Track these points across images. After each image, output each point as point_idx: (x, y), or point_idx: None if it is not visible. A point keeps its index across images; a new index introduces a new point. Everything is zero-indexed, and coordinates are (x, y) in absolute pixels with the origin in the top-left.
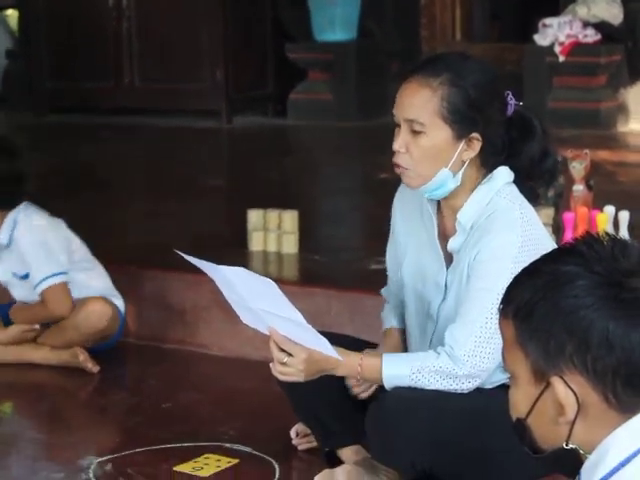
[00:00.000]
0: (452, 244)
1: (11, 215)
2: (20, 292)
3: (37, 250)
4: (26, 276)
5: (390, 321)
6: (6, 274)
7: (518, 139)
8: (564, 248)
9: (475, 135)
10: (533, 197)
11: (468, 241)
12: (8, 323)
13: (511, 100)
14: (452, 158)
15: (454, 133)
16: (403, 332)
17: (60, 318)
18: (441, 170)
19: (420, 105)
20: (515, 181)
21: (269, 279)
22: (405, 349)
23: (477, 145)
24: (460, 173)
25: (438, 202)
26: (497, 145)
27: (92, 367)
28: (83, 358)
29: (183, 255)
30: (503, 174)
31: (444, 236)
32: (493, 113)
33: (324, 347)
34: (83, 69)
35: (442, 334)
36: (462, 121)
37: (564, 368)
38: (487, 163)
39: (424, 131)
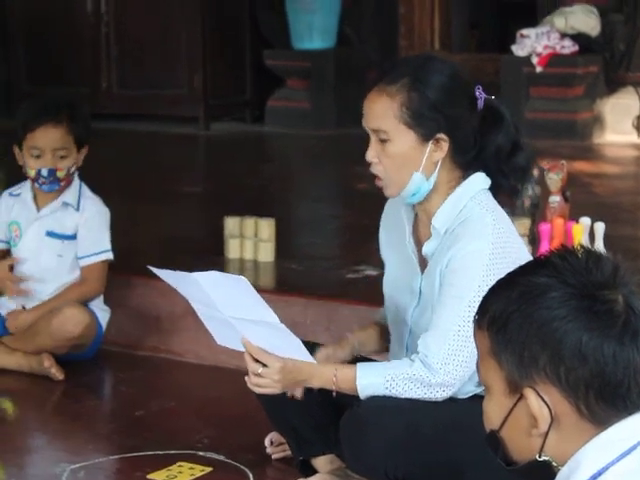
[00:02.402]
0: (426, 248)
1: (76, 179)
2: (38, 258)
3: (100, 222)
4: (70, 237)
5: (373, 319)
6: (39, 234)
7: (488, 132)
8: (538, 260)
9: (441, 136)
10: (511, 196)
11: (442, 246)
12: (4, 333)
13: (480, 94)
14: (422, 161)
15: (419, 137)
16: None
17: (90, 298)
18: (413, 174)
19: (381, 114)
20: (491, 187)
21: (241, 276)
22: (382, 344)
23: (445, 145)
24: (434, 175)
25: (415, 209)
26: (468, 141)
27: (57, 373)
28: (48, 364)
29: (154, 270)
30: (479, 180)
31: (419, 241)
32: (458, 111)
33: (299, 349)
34: (61, 74)
35: (416, 340)
36: (425, 124)
37: (537, 380)
38: (459, 161)
39: (389, 139)
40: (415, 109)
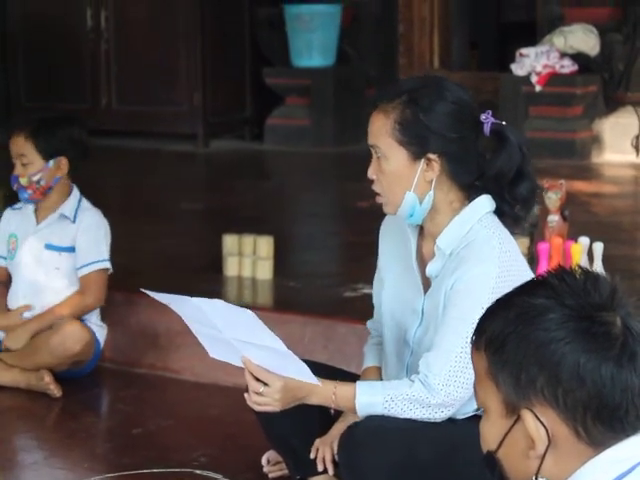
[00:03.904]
0: (430, 269)
1: (75, 192)
2: (35, 271)
3: (98, 233)
4: (68, 249)
5: (371, 359)
6: (37, 247)
7: (490, 156)
8: (536, 281)
9: (432, 156)
10: (514, 222)
11: (447, 267)
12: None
13: (487, 119)
14: (414, 180)
15: (410, 155)
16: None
17: (91, 308)
18: (406, 194)
19: (377, 130)
20: (495, 211)
21: (247, 309)
22: None
23: (436, 166)
24: (429, 195)
25: (421, 227)
26: (470, 164)
27: (55, 390)
28: (48, 379)
29: (149, 294)
30: (485, 202)
31: (423, 261)
32: (456, 133)
33: (304, 372)
34: (61, 90)
35: (418, 361)
36: (416, 142)
37: (535, 401)
38: (460, 183)
39: (384, 156)
40: (407, 127)
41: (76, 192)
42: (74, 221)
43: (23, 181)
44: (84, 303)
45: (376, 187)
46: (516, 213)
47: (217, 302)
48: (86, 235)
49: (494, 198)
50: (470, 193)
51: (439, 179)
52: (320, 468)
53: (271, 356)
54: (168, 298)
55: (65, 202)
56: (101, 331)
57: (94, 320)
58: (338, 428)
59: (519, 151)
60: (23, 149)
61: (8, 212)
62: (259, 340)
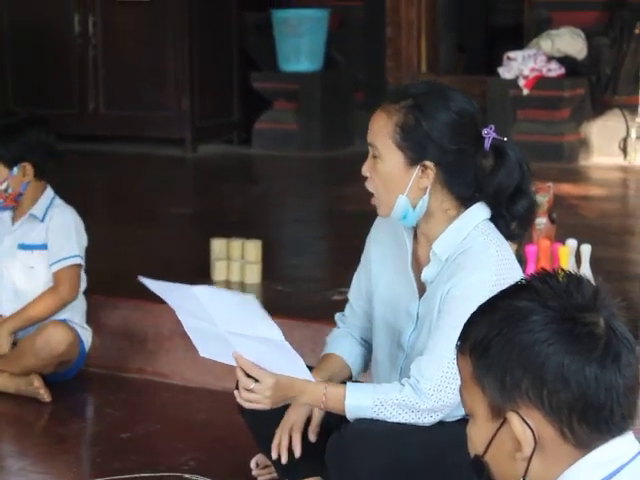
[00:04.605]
0: (426, 274)
1: (48, 192)
2: (14, 273)
3: (68, 229)
4: (40, 247)
5: (334, 347)
6: (10, 248)
7: (490, 171)
8: (519, 284)
9: (428, 163)
10: (509, 239)
11: (442, 273)
12: None
13: (488, 134)
14: (407, 184)
15: (406, 159)
16: (346, 366)
17: (65, 303)
18: (398, 197)
19: (377, 129)
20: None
21: (250, 295)
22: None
23: (431, 173)
24: (423, 201)
25: (415, 231)
26: (467, 176)
27: (45, 395)
28: (38, 384)
29: (144, 281)
30: (482, 209)
31: (418, 265)
32: (455, 145)
33: (298, 365)
34: (48, 95)
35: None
36: (414, 148)
37: (520, 404)
38: (456, 193)
39: (380, 156)
40: (407, 132)
41: (49, 192)
42: (42, 220)
43: None
44: (59, 297)
45: (369, 185)
46: (512, 231)
47: (218, 289)
48: (56, 232)
49: (492, 214)
50: (466, 202)
51: (434, 187)
52: (274, 455)
53: (266, 350)
54: (164, 287)
55: (37, 203)
56: (85, 333)
57: (78, 321)
58: (294, 412)
59: (519, 168)
60: None
61: None
62: (257, 330)
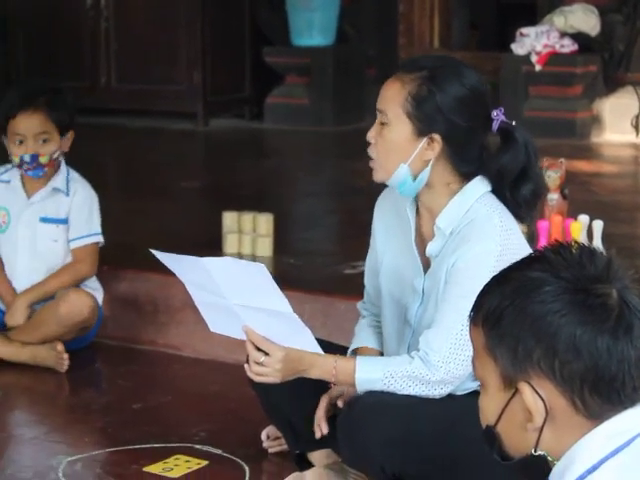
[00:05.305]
0: (430, 249)
1: (63, 165)
2: (33, 244)
3: (91, 206)
4: (63, 221)
5: (364, 340)
6: (30, 221)
7: (496, 155)
8: (532, 255)
9: (435, 136)
10: (517, 218)
11: (447, 247)
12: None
13: (497, 117)
14: (411, 155)
15: (415, 130)
16: (379, 354)
17: (84, 278)
18: (400, 165)
19: (389, 97)
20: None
21: (260, 263)
22: None
23: (437, 147)
24: (424, 173)
25: (417, 207)
26: (472, 154)
27: (66, 361)
28: (60, 348)
29: (156, 253)
30: (482, 182)
31: (422, 240)
32: (465, 122)
33: (307, 338)
34: (60, 69)
35: (419, 338)
36: (424, 119)
37: (532, 374)
38: (460, 170)
39: (389, 123)
40: (419, 102)
41: (63, 164)
42: (67, 194)
43: (44, 160)
44: (77, 274)
45: (371, 151)
46: (517, 213)
47: (228, 259)
48: (80, 208)
49: (497, 197)
50: (468, 177)
51: (437, 160)
52: (318, 434)
53: (275, 323)
54: (175, 259)
55: (55, 175)
56: (99, 294)
57: (90, 284)
58: (335, 390)
59: (525, 152)
60: (45, 125)
61: None
62: (266, 302)
